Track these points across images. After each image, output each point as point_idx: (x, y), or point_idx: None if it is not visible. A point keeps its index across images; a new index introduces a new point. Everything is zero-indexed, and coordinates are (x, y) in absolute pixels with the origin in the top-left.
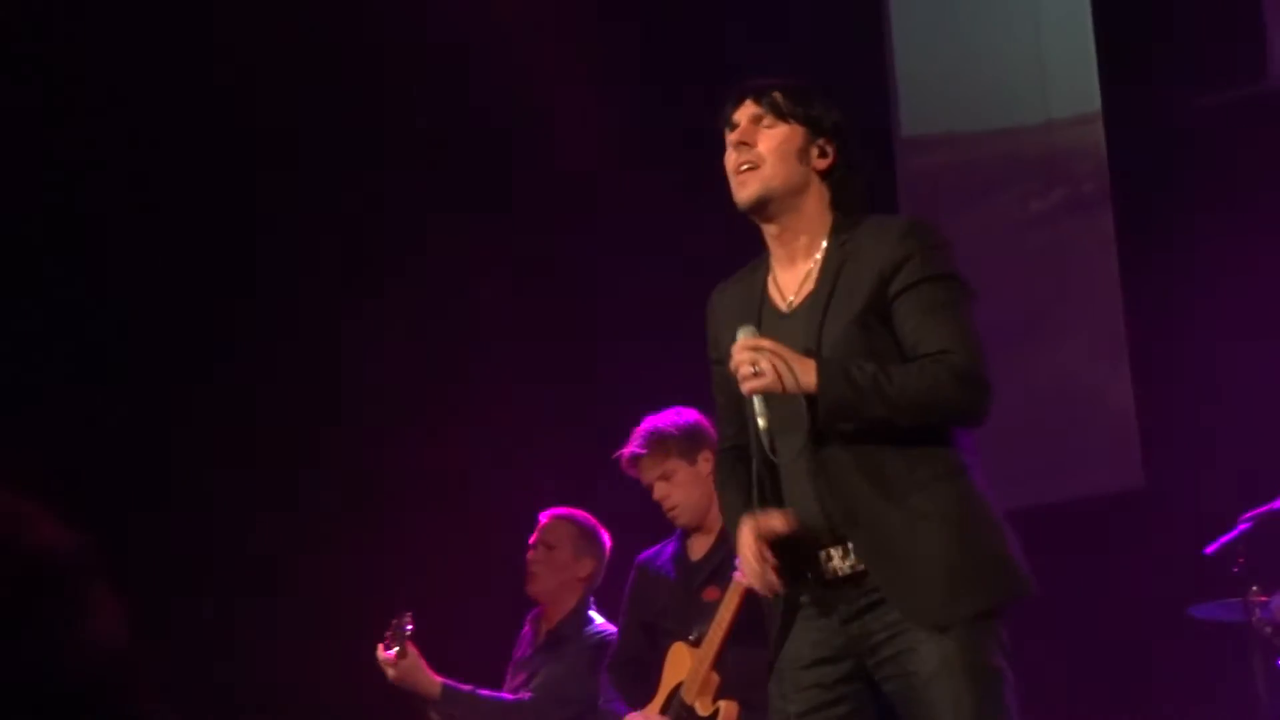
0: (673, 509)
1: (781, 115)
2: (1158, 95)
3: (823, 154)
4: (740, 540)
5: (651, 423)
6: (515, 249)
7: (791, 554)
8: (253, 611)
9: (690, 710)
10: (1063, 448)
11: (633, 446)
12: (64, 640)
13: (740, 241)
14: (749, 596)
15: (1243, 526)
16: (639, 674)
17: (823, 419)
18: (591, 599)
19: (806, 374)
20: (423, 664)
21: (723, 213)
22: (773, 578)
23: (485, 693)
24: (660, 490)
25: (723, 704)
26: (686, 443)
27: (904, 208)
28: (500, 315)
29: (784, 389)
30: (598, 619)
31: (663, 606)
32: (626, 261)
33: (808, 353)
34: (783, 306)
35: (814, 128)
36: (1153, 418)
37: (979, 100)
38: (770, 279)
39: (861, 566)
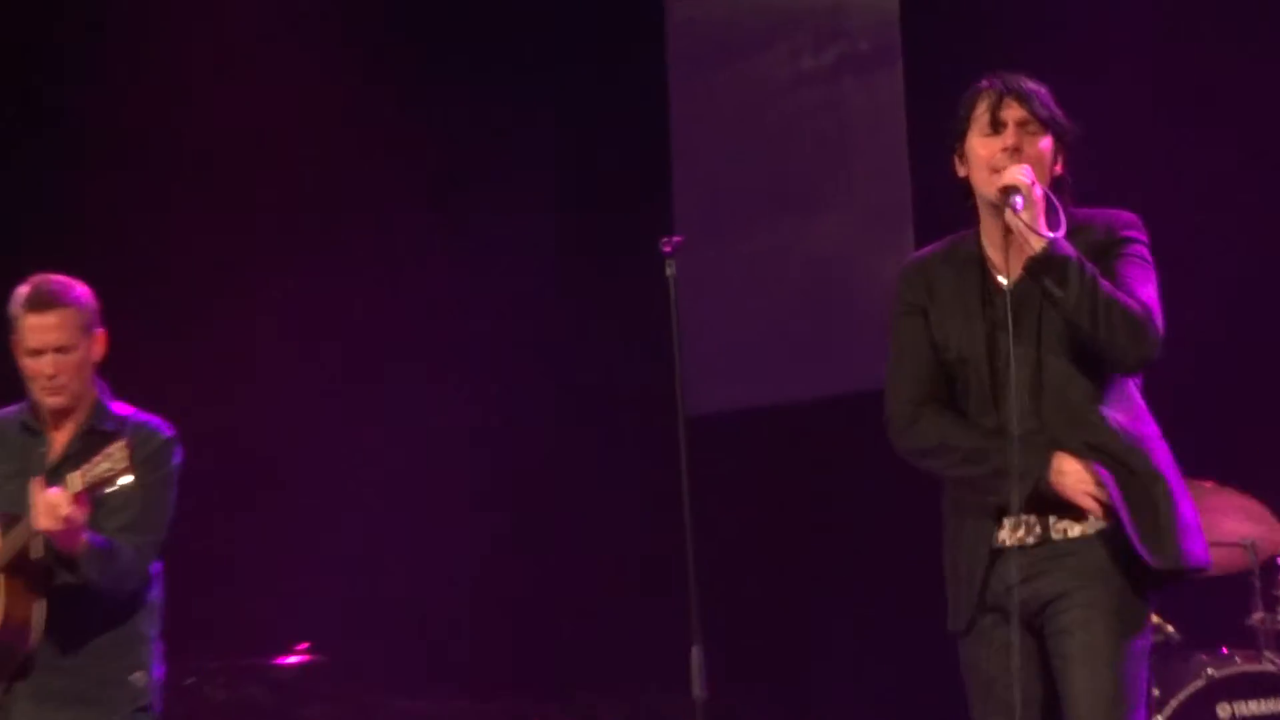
0: None
1: (1044, 125)
2: None
3: (1057, 161)
4: (1068, 469)
5: None
6: None
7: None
8: None
9: None
10: (837, 334)
11: None
12: None
13: None
14: None
15: None
16: None
17: (1042, 259)
18: None
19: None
20: None
21: None
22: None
23: (103, 540)
24: None
25: None
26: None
27: (672, 61)
28: None
29: (1032, 201)
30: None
31: None
32: None
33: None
34: (1004, 283)
35: (1059, 138)
36: None
37: None
38: (985, 257)
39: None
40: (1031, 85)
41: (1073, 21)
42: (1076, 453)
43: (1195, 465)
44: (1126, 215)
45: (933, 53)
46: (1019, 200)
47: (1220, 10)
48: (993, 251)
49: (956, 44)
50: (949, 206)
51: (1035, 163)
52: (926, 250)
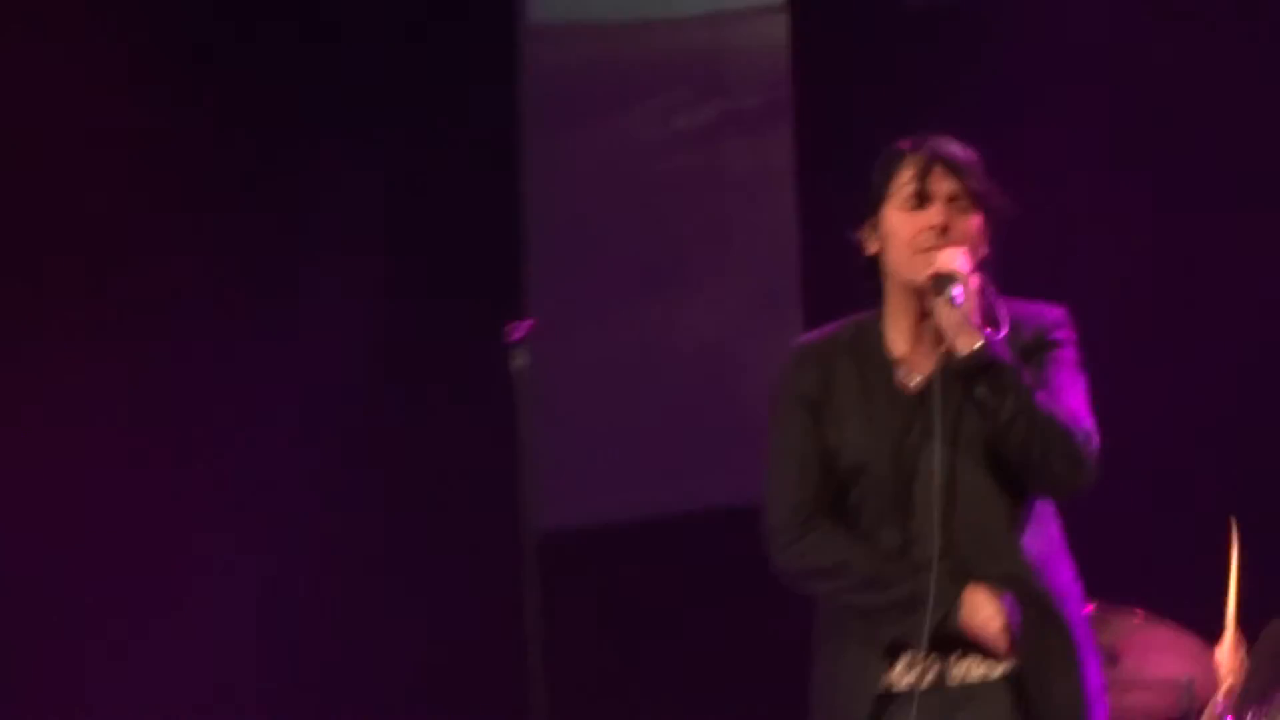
0: None
1: (976, 202)
2: None
3: (984, 241)
4: (981, 603)
5: None
6: None
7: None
8: None
9: None
10: (720, 435)
11: None
12: None
13: None
14: None
15: None
16: None
17: (976, 362)
18: None
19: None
20: None
21: None
22: None
23: None
24: None
25: None
26: None
27: (526, 115)
28: None
29: (970, 293)
30: None
31: None
32: None
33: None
34: (909, 382)
35: (990, 216)
36: None
37: None
38: (890, 348)
39: None
40: (963, 153)
41: (987, 80)
42: (990, 583)
43: (1120, 590)
44: (1054, 312)
45: (830, 111)
46: (958, 291)
47: (1141, 59)
48: (899, 342)
49: (858, 102)
50: (844, 286)
51: (964, 243)
52: (820, 333)
